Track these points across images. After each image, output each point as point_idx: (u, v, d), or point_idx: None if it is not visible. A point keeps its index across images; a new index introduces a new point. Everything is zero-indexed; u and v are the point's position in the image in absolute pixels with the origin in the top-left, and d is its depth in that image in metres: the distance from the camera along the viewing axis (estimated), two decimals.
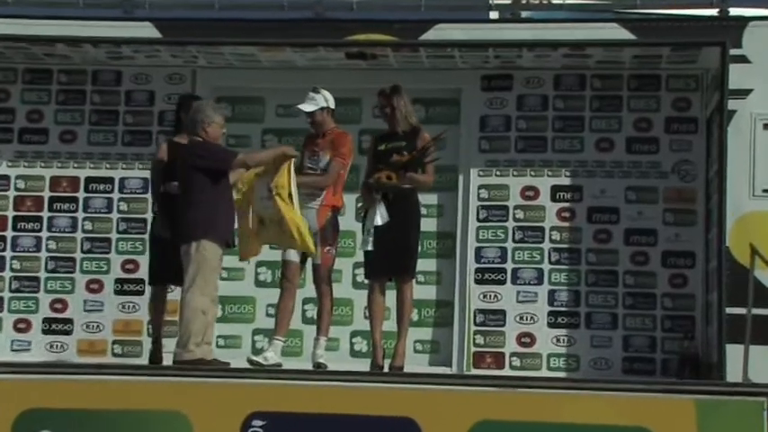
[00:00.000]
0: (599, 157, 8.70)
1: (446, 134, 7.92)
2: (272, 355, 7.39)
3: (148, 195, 8.71)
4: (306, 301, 8.34)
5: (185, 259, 7.21)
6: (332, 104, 7.62)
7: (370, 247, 7.43)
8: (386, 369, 7.47)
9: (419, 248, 7.73)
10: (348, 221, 8.61)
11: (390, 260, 7.43)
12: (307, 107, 7.54)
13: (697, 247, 8.48)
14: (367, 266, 7.59)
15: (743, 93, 8.05)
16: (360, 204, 8.09)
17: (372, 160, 7.66)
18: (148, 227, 8.69)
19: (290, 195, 7.26)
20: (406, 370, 7.52)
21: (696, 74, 8.59)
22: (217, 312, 7.51)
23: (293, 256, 7.50)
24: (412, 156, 7.45)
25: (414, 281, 7.61)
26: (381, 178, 7.42)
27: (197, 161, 7.26)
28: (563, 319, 8.58)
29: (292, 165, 7.31)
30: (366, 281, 7.69)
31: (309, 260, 7.58)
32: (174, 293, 7.85)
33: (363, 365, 7.77)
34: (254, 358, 7.38)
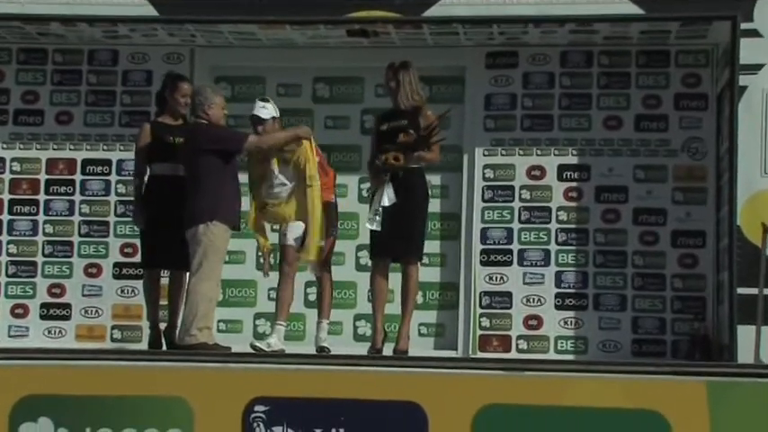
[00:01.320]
0: (607, 135, 8.66)
1: (450, 113, 7.87)
2: (275, 341, 7.41)
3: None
4: (308, 284, 8.33)
5: (192, 243, 7.23)
6: (278, 114, 7.64)
7: (375, 227, 7.41)
8: (389, 353, 7.46)
9: (426, 230, 7.71)
10: (351, 203, 8.61)
11: (396, 241, 7.40)
12: (262, 113, 7.53)
13: (707, 226, 8.44)
14: (372, 246, 7.57)
15: (754, 68, 8.00)
16: (363, 185, 8.05)
17: (376, 140, 7.63)
18: None
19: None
20: (410, 354, 7.52)
21: (706, 49, 8.54)
22: (219, 296, 7.51)
23: (291, 240, 7.49)
24: (419, 135, 7.42)
25: (419, 263, 7.58)
26: (389, 159, 7.39)
27: (205, 145, 7.28)
28: (571, 301, 8.56)
29: (313, 149, 7.42)
30: (369, 262, 7.68)
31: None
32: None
33: (367, 349, 7.75)
34: (257, 344, 7.39)
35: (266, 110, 7.56)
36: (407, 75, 7.51)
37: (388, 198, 7.37)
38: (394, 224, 7.35)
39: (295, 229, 7.50)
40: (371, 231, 7.49)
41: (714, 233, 8.40)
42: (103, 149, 8.93)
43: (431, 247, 8.63)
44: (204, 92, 7.49)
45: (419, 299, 8.55)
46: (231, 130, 7.52)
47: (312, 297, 8.32)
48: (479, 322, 8.61)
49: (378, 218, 7.38)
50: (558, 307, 8.56)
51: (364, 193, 8.35)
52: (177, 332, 7.42)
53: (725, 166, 8.09)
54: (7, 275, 8.86)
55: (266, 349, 7.31)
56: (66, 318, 8.79)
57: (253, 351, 7.31)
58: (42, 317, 8.81)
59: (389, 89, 7.61)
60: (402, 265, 7.49)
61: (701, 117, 8.56)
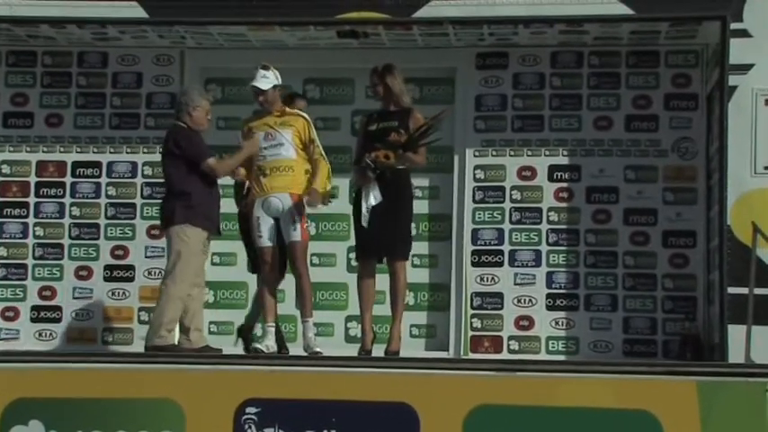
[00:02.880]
0: (597, 136, 8.68)
1: (446, 114, 7.86)
2: (272, 344, 7.42)
3: (137, 180, 8.73)
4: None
5: (167, 245, 7.28)
6: (280, 82, 7.62)
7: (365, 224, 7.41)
8: (380, 354, 7.46)
9: (413, 230, 7.71)
10: (342, 204, 8.61)
11: (382, 242, 7.41)
12: (262, 84, 7.53)
13: (698, 226, 8.47)
14: (358, 247, 7.57)
15: (744, 68, 8.01)
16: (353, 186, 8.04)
17: (363, 140, 7.63)
18: (138, 212, 8.76)
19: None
20: (401, 355, 7.52)
21: (696, 49, 8.57)
22: (205, 297, 7.53)
23: (267, 241, 7.48)
24: (410, 136, 7.44)
25: (407, 263, 7.58)
26: (380, 157, 7.41)
27: (174, 149, 7.34)
28: (562, 302, 8.58)
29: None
30: (355, 263, 7.69)
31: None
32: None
33: (357, 351, 7.75)
34: (258, 346, 7.39)
35: (267, 79, 7.53)
36: (394, 78, 7.53)
37: (374, 197, 7.37)
38: (380, 225, 7.36)
39: (268, 228, 7.48)
40: (357, 232, 7.50)
41: (704, 233, 8.43)
42: (93, 152, 8.93)
43: (421, 248, 8.67)
44: (191, 93, 7.55)
45: (410, 300, 8.57)
46: (199, 144, 7.49)
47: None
48: (471, 323, 8.62)
49: (367, 215, 7.39)
50: (549, 307, 8.58)
51: (353, 193, 8.34)
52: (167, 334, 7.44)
53: (715, 165, 8.11)
54: None
55: (265, 351, 7.32)
56: (57, 320, 8.79)
57: (250, 353, 7.32)
58: (33, 320, 8.81)
59: (376, 93, 7.63)
60: (389, 265, 7.49)
61: (691, 117, 8.59)
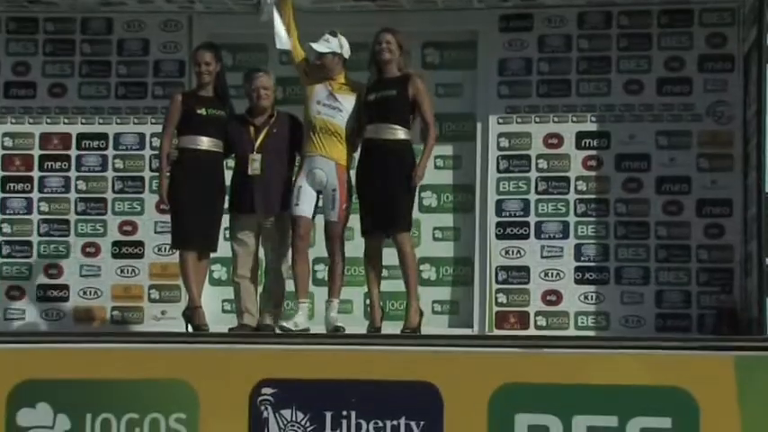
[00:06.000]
0: (627, 100, 8.63)
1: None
2: (302, 321, 7.46)
3: (145, 152, 8.76)
4: (316, 261, 8.32)
5: (276, 229, 7.54)
6: (346, 53, 7.62)
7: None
8: (391, 331, 7.47)
9: (416, 198, 7.65)
10: None
11: (382, 214, 7.39)
12: (319, 47, 7.57)
13: (734, 194, 8.43)
14: (361, 222, 7.56)
15: None
16: None
17: (364, 110, 7.54)
18: (146, 185, 8.78)
19: None
20: (424, 332, 7.54)
21: (731, 7, 8.50)
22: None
23: (305, 210, 7.50)
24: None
25: (410, 233, 7.53)
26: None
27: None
28: (591, 275, 8.57)
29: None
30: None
31: (321, 216, 7.59)
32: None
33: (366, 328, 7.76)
34: (285, 324, 7.42)
35: (327, 43, 7.58)
36: (391, 41, 7.43)
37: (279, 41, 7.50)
38: (379, 198, 7.34)
39: (308, 199, 7.50)
40: (360, 208, 7.48)
41: (741, 201, 8.38)
42: (99, 123, 8.94)
43: (443, 220, 8.68)
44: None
45: (432, 275, 8.60)
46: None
47: (320, 275, 8.32)
48: (496, 298, 8.63)
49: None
50: (577, 281, 8.57)
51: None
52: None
53: (752, 130, 8.07)
54: (1, 256, 8.90)
55: (293, 329, 7.35)
56: (64, 299, 8.83)
57: (280, 332, 7.37)
58: (39, 299, 8.85)
59: (381, 53, 7.47)
60: (392, 238, 7.47)
61: (727, 79, 8.52)
